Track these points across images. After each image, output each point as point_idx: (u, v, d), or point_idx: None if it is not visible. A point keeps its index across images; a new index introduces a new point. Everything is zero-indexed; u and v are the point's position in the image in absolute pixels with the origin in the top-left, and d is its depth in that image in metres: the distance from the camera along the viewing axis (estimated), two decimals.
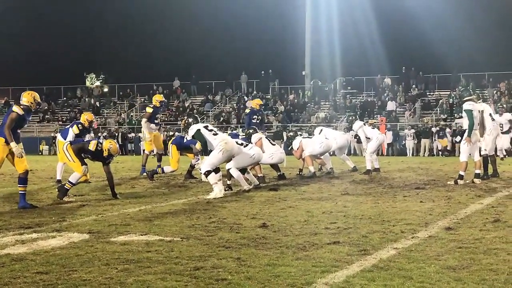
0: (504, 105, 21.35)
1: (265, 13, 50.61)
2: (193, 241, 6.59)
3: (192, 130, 11.93)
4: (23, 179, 9.75)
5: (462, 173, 12.89)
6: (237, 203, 10.11)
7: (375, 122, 20.99)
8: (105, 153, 10.90)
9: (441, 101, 38.83)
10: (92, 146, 10.93)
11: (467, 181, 12.89)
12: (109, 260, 5.67)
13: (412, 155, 32.71)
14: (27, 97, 9.97)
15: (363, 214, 8.51)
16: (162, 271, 5.25)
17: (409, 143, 33.35)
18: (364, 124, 17.32)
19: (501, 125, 16.22)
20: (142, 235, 7.03)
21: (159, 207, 9.76)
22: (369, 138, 16.84)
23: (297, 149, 15.72)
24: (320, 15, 44.64)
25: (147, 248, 6.21)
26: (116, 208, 9.65)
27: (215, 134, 11.82)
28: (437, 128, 33.57)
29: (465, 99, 13.21)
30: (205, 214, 8.70)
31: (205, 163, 11.48)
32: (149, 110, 16.80)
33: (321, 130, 17.33)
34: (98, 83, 63.27)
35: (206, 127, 11.98)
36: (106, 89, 52.93)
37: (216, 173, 11.23)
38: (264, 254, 5.90)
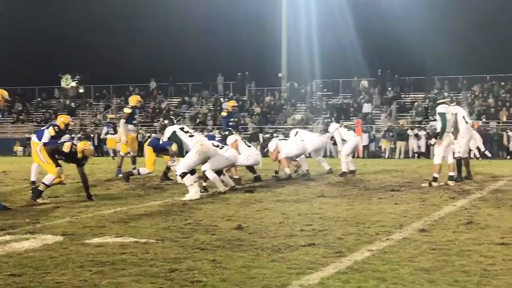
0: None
1: (241, 15, 50.51)
2: (168, 243, 6.58)
3: (168, 131, 11.91)
4: None
5: (436, 175, 13.02)
6: (212, 205, 10.11)
7: (351, 124, 21.09)
8: (79, 155, 10.81)
9: (416, 103, 39.17)
10: (66, 148, 10.82)
11: (441, 183, 13.01)
12: (83, 262, 5.64)
13: (388, 157, 32.90)
14: None
15: (339, 216, 8.56)
16: (137, 273, 5.24)
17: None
18: (340, 126, 17.37)
19: None
20: (117, 237, 7.00)
21: (134, 208, 9.71)
22: (344, 140, 16.90)
23: (273, 151, 15.75)
24: (296, 17, 44.76)
25: (122, 250, 6.18)
26: (91, 209, 9.59)
27: (191, 136, 11.80)
28: (384, 130, 33.86)
29: (438, 102, 13.34)
30: (181, 216, 8.69)
31: (180, 165, 11.46)
32: (127, 111, 16.51)
33: (297, 132, 17.35)
34: (73, 83, 62.67)
35: (182, 129, 11.97)
36: (81, 90, 52.48)
37: (192, 174, 11.24)
38: (239, 256, 5.91)
